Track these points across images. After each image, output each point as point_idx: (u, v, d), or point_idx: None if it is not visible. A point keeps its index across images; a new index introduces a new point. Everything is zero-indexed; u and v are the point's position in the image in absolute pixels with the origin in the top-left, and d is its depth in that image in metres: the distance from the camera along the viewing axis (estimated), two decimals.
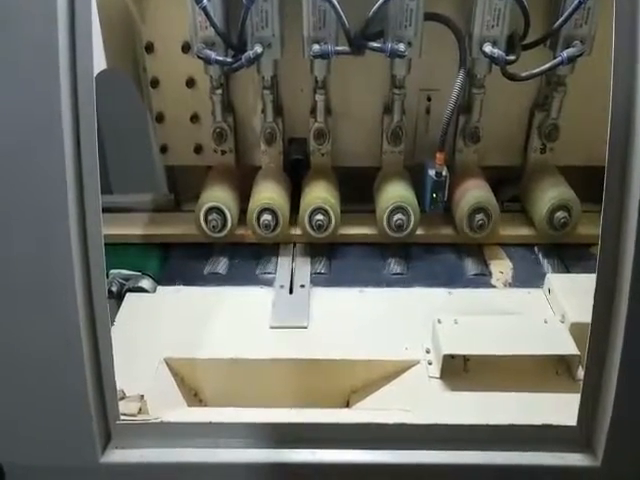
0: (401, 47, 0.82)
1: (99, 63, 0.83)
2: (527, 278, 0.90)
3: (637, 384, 0.56)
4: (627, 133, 0.52)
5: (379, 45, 0.83)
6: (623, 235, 0.53)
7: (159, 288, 0.89)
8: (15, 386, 0.60)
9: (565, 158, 0.99)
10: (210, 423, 0.62)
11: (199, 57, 0.85)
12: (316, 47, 0.82)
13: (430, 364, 0.73)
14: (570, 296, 0.79)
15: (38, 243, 0.56)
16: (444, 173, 0.90)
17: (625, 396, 0.56)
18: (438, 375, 0.71)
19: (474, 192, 0.93)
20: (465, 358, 0.72)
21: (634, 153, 0.51)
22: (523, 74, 0.84)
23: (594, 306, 0.56)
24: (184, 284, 0.89)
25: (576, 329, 0.73)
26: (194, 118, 1.00)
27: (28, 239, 0.56)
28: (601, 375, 0.57)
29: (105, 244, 0.56)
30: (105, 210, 0.56)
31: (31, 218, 0.55)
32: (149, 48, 0.94)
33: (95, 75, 0.54)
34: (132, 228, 0.99)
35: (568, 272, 0.91)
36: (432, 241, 0.97)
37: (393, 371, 0.74)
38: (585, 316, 0.57)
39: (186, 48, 0.93)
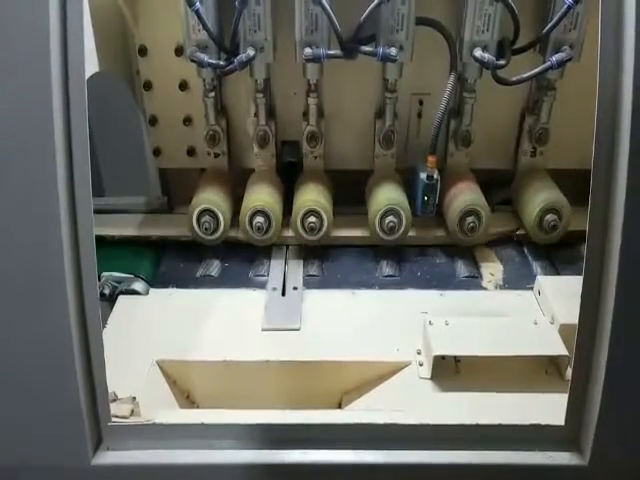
0: (393, 51, 0.83)
1: (92, 66, 0.83)
2: (517, 280, 0.91)
3: (623, 384, 0.57)
4: (612, 136, 0.52)
5: (371, 49, 0.83)
6: (609, 237, 0.54)
7: (152, 291, 0.89)
8: (6, 388, 0.60)
9: (556, 161, 1.00)
10: (202, 424, 0.62)
11: (192, 60, 0.85)
12: (308, 51, 0.83)
13: (421, 365, 0.73)
14: (559, 298, 0.80)
15: (29, 246, 0.56)
16: (435, 176, 0.91)
17: (611, 396, 0.57)
18: (429, 376, 0.72)
19: (465, 195, 0.94)
20: (456, 359, 0.73)
21: (619, 156, 0.52)
22: (513, 78, 0.85)
23: (581, 308, 0.57)
24: (177, 287, 0.90)
25: (565, 330, 0.74)
26: (187, 121, 1.00)
27: (19, 242, 0.56)
28: (588, 376, 0.58)
29: (97, 244, 0.57)
30: (98, 212, 0.56)
31: (22, 220, 0.56)
32: (142, 51, 0.95)
33: (88, 78, 0.54)
34: (125, 229, 0.99)
35: (558, 274, 0.92)
36: (424, 243, 0.98)
37: (385, 372, 0.74)
38: (574, 317, 0.58)
39: (179, 51, 0.94)
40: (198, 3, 0.79)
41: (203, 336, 0.79)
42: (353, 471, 0.62)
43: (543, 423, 0.61)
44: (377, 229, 0.94)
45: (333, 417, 0.67)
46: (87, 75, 0.54)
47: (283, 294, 0.88)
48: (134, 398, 0.66)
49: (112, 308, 0.85)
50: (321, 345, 0.77)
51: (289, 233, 0.96)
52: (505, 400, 0.68)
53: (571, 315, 0.68)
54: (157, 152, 1.03)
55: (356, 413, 0.71)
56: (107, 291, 0.87)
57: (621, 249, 0.53)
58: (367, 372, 0.75)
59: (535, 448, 0.61)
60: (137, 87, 0.99)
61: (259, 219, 0.92)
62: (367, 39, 0.85)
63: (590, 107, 0.54)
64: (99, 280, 0.86)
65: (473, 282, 0.91)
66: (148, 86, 0.98)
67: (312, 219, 0.92)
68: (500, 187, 1.04)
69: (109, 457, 0.61)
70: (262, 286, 0.89)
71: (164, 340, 0.78)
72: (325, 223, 0.93)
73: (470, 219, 0.93)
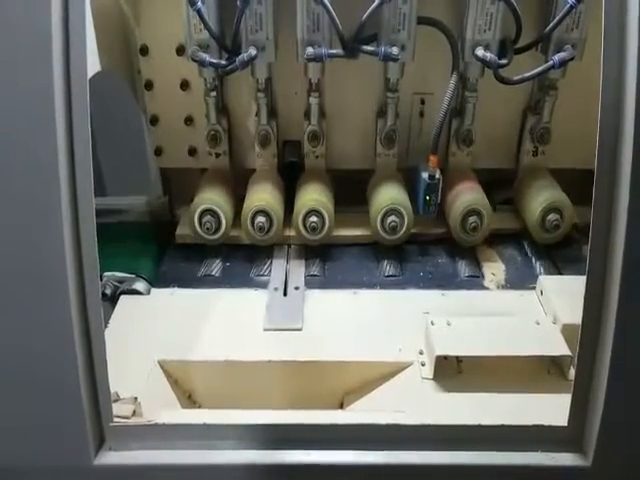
0: (394, 51, 0.83)
1: (93, 65, 0.83)
2: (519, 280, 0.90)
3: (627, 385, 0.57)
4: (615, 135, 0.52)
5: (372, 48, 0.83)
6: (612, 237, 0.54)
7: (153, 290, 0.89)
8: (8, 388, 0.60)
9: (557, 161, 1.00)
10: (204, 425, 0.62)
11: (193, 60, 0.85)
12: (310, 50, 0.83)
13: (423, 365, 0.73)
14: (562, 298, 0.80)
15: (31, 246, 0.56)
16: (437, 176, 0.91)
17: (615, 397, 0.57)
18: (431, 376, 0.72)
19: (467, 195, 0.94)
20: (458, 359, 0.73)
21: (622, 156, 0.52)
22: (515, 78, 0.84)
23: (584, 308, 0.57)
24: (178, 286, 0.89)
25: (568, 330, 0.74)
26: (188, 120, 1.00)
27: (21, 242, 0.56)
28: (591, 376, 0.58)
29: (98, 243, 0.57)
30: (99, 212, 0.56)
31: (24, 220, 0.56)
32: (143, 50, 0.95)
33: (89, 77, 0.54)
34: None
35: (560, 274, 0.92)
36: (425, 239, 0.98)
37: (387, 372, 0.74)
38: (577, 317, 0.58)
39: (180, 51, 0.94)
40: (199, 2, 0.79)
41: (205, 336, 0.79)
42: (354, 471, 0.62)
43: (546, 424, 0.60)
44: (379, 229, 0.94)
45: (335, 417, 0.66)
46: (89, 75, 0.54)
47: (285, 294, 0.87)
48: (136, 398, 0.66)
49: (114, 308, 0.84)
50: (323, 345, 0.77)
51: (291, 233, 0.96)
52: (507, 400, 0.68)
53: (573, 315, 0.68)
54: (158, 152, 1.03)
55: (358, 413, 0.71)
56: (109, 291, 0.87)
57: (624, 249, 0.53)
58: (369, 372, 0.75)
59: (538, 449, 0.60)
60: (138, 87, 0.99)
61: (260, 219, 0.92)
62: (369, 38, 0.84)
63: (592, 106, 0.53)
64: (101, 280, 0.86)
65: (475, 282, 0.91)
66: (149, 86, 0.97)
67: (314, 219, 0.92)
68: (502, 187, 1.04)
69: (111, 457, 0.61)
70: (264, 286, 0.89)
71: (166, 340, 0.78)
72: (327, 223, 0.93)
73: (472, 219, 0.92)
